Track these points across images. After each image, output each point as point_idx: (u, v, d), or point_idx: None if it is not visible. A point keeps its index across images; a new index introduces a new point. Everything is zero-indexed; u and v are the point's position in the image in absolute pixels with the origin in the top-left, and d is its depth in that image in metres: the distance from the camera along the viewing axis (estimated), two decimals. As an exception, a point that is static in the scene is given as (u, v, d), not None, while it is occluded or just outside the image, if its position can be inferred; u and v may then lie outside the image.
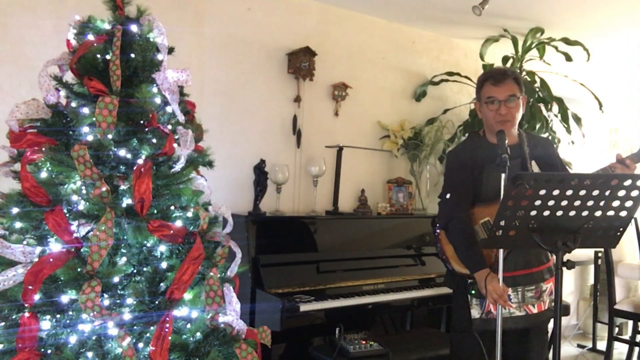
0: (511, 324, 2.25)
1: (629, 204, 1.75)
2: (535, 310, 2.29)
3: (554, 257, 2.41)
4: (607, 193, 1.71)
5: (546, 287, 2.33)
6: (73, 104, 1.79)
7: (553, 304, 2.31)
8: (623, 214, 1.78)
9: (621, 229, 1.84)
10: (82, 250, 1.65)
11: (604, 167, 2.16)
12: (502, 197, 1.94)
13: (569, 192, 1.70)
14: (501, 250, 2.05)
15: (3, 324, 1.60)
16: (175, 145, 1.80)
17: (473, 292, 2.29)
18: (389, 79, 4.04)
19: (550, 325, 2.46)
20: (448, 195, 2.39)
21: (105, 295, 1.64)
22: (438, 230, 2.41)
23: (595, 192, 1.71)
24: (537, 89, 3.91)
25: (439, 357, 2.91)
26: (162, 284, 1.72)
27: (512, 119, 2.29)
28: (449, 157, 2.54)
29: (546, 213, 1.75)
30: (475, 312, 2.30)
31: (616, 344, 4.07)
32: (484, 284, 2.14)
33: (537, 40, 3.97)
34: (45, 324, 1.61)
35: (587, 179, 1.70)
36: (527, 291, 2.29)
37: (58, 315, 1.62)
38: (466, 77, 4.03)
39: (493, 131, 2.30)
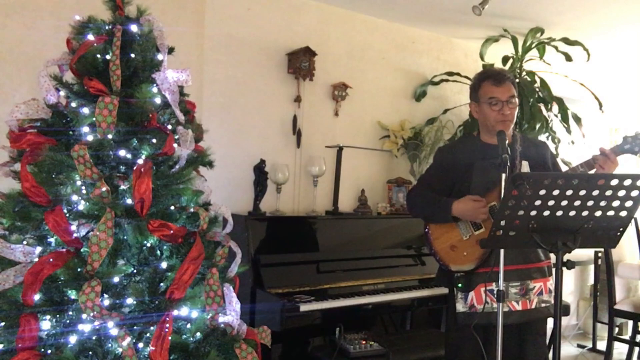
0: (493, 319, 2.24)
1: (629, 204, 1.75)
2: (519, 308, 2.29)
3: (551, 258, 2.44)
4: (607, 193, 1.71)
5: (534, 286, 2.32)
6: (73, 104, 1.79)
7: (543, 304, 2.33)
8: (623, 214, 1.78)
9: (621, 229, 1.84)
10: (82, 250, 1.65)
11: (587, 159, 2.20)
12: (502, 197, 1.95)
13: (569, 192, 1.70)
14: (502, 250, 2.05)
15: (3, 324, 1.60)
16: (175, 145, 1.80)
17: (460, 285, 2.32)
18: (389, 79, 4.03)
19: (550, 325, 2.47)
20: (415, 184, 2.57)
21: (105, 295, 1.64)
22: (427, 229, 2.44)
23: (595, 192, 1.71)
24: (537, 89, 3.90)
25: (439, 357, 2.91)
26: (162, 284, 1.72)
27: (512, 119, 2.35)
28: (436, 154, 2.61)
29: (546, 213, 1.75)
30: (459, 306, 2.31)
31: (616, 344, 4.07)
32: (467, 212, 2.26)
33: (537, 40, 3.97)
34: (45, 324, 1.61)
35: (588, 179, 1.70)
36: (510, 287, 2.29)
37: (58, 315, 1.62)
38: (466, 77, 4.02)
39: (491, 131, 2.33)
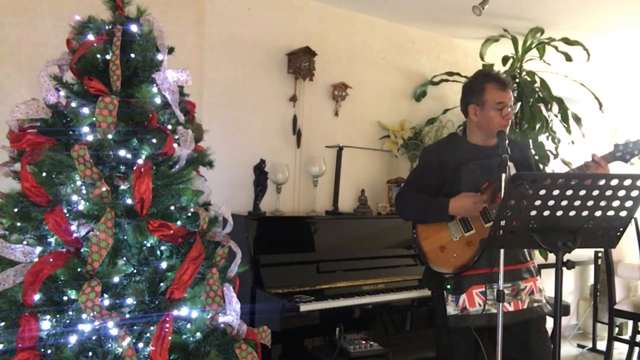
0: (484, 321, 2.24)
1: (629, 204, 1.75)
2: (511, 309, 2.27)
3: (534, 257, 2.43)
4: (607, 193, 1.71)
5: (525, 286, 2.31)
6: (73, 104, 1.79)
7: (536, 304, 2.32)
8: (623, 214, 1.78)
9: (621, 229, 1.84)
10: (82, 250, 1.65)
11: (579, 165, 2.20)
12: (502, 197, 1.95)
13: (569, 192, 1.70)
14: (502, 250, 2.05)
15: (3, 324, 1.60)
16: (175, 145, 1.80)
17: (448, 286, 2.31)
18: (389, 79, 4.03)
19: (550, 325, 2.46)
20: (403, 186, 2.54)
21: (105, 295, 1.64)
22: (415, 229, 2.43)
23: (595, 192, 1.71)
24: (537, 89, 3.90)
25: (439, 357, 2.91)
26: (162, 284, 1.72)
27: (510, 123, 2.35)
28: (422, 155, 2.58)
29: (546, 213, 1.75)
30: (450, 309, 2.30)
31: (616, 344, 4.07)
32: (464, 208, 2.23)
33: (537, 40, 3.97)
34: (45, 324, 1.61)
35: (588, 179, 1.70)
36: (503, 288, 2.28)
37: (58, 315, 1.62)
38: (466, 77, 4.01)
39: (488, 134, 2.34)
